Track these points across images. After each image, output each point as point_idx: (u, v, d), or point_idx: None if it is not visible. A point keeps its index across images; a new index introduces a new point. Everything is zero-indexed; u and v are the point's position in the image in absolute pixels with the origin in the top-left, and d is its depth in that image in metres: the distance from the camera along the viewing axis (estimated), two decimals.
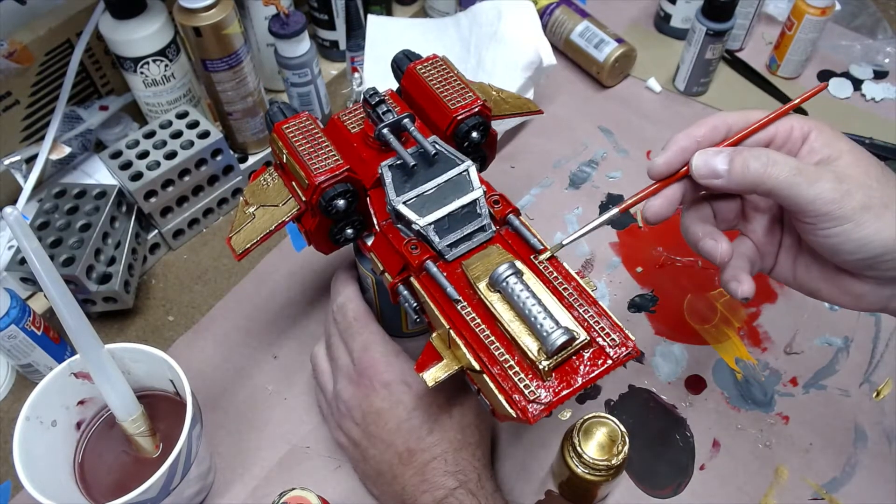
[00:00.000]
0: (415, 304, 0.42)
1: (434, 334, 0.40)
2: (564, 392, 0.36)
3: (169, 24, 0.65)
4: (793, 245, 0.44)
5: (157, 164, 0.62)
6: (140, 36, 0.63)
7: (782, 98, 0.81)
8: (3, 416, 0.58)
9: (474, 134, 0.47)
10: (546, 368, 0.36)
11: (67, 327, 0.43)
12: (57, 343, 0.57)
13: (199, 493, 0.52)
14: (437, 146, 0.43)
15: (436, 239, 0.40)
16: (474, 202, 0.41)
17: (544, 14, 0.84)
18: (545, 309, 0.36)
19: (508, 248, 0.41)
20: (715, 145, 0.41)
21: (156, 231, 0.66)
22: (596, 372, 0.36)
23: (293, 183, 0.46)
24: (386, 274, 0.43)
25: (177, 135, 0.64)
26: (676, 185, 0.41)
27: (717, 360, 0.61)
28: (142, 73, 0.65)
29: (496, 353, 0.37)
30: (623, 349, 0.37)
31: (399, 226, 0.43)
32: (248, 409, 0.58)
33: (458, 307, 0.39)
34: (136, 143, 0.64)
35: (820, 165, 0.39)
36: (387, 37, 0.77)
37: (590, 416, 0.48)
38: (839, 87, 0.82)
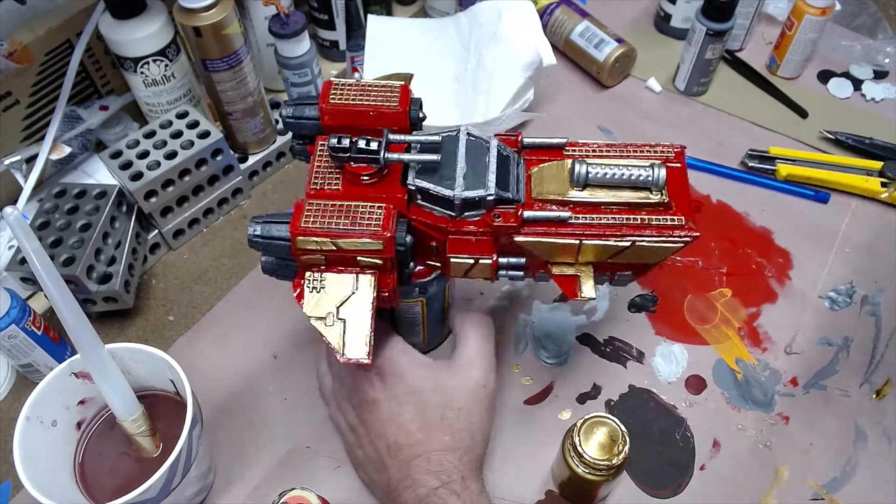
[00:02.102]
0: (522, 263, 0.44)
1: (554, 270, 0.44)
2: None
3: (169, 24, 0.65)
4: None
5: (158, 164, 0.62)
6: (140, 36, 0.63)
7: (782, 98, 0.81)
8: (3, 416, 0.58)
9: (422, 113, 0.46)
10: (667, 200, 0.42)
11: (67, 327, 0.43)
12: (57, 343, 0.57)
13: (199, 493, 0.52)
14: (431, 135, 0.44)
15: (510, 194, 0.42)
16: (499, 150, 0.43)
17: (544, 14, 0.84)
18: (627, 166, 0.42)
19: (541, 161, 0.44)
20: None
21: (156, 231, 0.66)
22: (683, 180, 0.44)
23: (356, 257, 0.43)
24: (482, 260, 0.43)
25: (177, 135, 0.64)
26: None
27: (717, 360, 0.61)
28: (142, 73, 0.65)
29: (631, 222, 0.42)
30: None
31: (465, 215, 0.43)
32: (248, 409, 0.58)
33: (571, 222, 0.42)
34: (137, 143, 0.64)
35: None
36: (387, 37, 0.76)
37: (590, 415, 0.48)
38: (839, 87, 0.82)
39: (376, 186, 0.44)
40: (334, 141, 0.42)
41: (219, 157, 0.66)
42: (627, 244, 0.42)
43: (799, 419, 0.57)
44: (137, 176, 0.61)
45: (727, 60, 0.84)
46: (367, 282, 0.43)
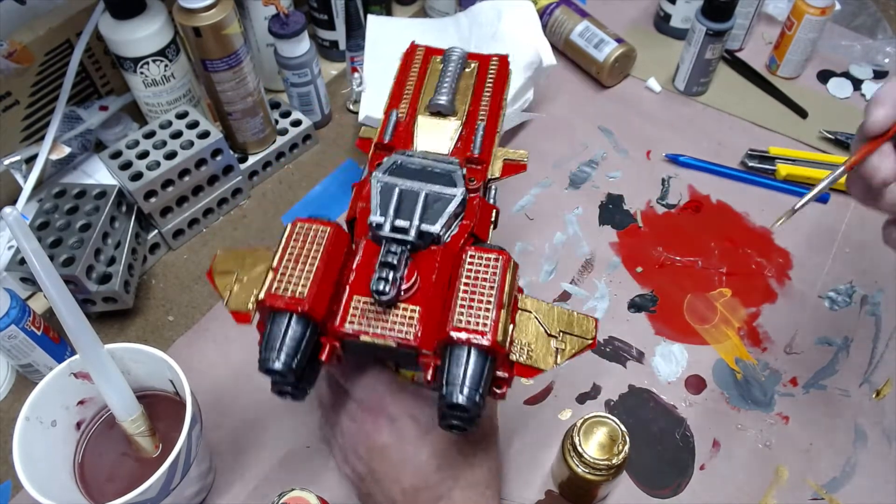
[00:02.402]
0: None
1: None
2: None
3: (169, 24, 0.65)
4: None
5: (157, 164, 0.62)
6: (140, 36, 0.63)
7: (782, 98, 0.81)
8: (3, 416, 0.58)
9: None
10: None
11: (67, 327, 0.43)
12: (57, 343, 0.57)
13: (199, 493, 0.52)
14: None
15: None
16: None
17: (544, 14, 0.84)
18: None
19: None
20: None
21: (156, 231, 0.66)
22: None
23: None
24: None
25: (177, 135, 0.64)
26: None
27: (717, 360, 0.61)
28: (142, 73, 0.65)
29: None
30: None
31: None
32: (248, 408, 0.58)
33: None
34: (136, 143, 0.64)
35: None
36: (386, 37, 0.76)
37: (590, 415, 0.48)
38: (839, 87, 0.82)
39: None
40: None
41: (218, 158, 0.66)
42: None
43: (799, 419, 0.57)
44: (137, 176, 0.61)
45: (727, 60, 0.84)
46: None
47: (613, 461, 0.46)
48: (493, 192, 0.48)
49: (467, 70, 0.51)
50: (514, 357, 0.39)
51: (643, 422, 0.57)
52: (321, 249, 0.39)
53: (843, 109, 0.80)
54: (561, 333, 0.40)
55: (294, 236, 0.40)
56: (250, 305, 0.40)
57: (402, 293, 0.38)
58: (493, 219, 0.46)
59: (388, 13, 0.88)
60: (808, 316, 0.63)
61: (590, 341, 0.40)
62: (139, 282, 0.65)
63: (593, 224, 0.70)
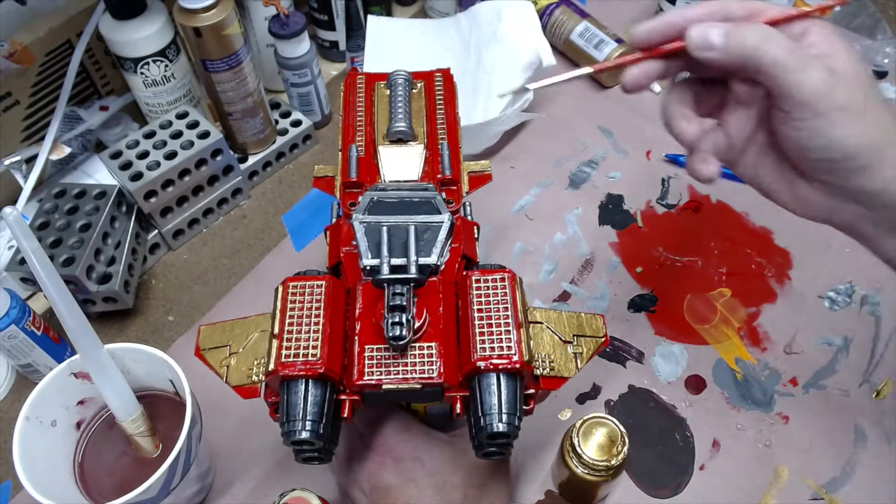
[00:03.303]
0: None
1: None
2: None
3: (169, 24, 0.65)
4: (762, 143, 0.43)
5: (157, 164, 0.62)
6: (140, 36, 0.63)
7: None
8: (3, 416, 0.58)
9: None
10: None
11: (67, 327, 0.43)
12: (57, 343, 0.57)
13: (198, 493, 0.52)
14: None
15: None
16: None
17: (544, 14, 0.84)
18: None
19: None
20: None
21: (156, 231, 0.66)
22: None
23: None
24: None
25: (177, 135, 0.64)
26: (658, 61, 0.41)
27: (717, 360, 0.61)
28: (142, 73, 0.65)
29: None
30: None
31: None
32: (248, 408, 0.58)
33: None
34: (136, 143, 0.64)
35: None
36: (387, 37, 0.77)
37: (589, 416, 0.48)
38: None
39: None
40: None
41: (218, 158, 0.66)
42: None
43: (799, 419, 0.57)
44: (137, 176, 0.61)
45: None
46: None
47: (612, 462, 0.46)
48: (468, 208, 0.46)
49: (414, 91, 0.49)
50: (538, 371, 0.38)
51: (643, 422, 0.57)
52: (321, 305, 0.38)
53: None
54: (575, 338, 0.40)
55: (290, 298, 0.38)
56: (255, 378, 0.39)
57: (415, 333, 0.37)
58: (475, 236, 0.45)
59: (389, 14, 0.88)
60: (808, 316, 0.63)
61: (602, 339, 0.40)
62: (139, 282, 0.65)
63: (593, 224, 0.70)
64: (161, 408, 0.51)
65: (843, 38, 0.39)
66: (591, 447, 0.47)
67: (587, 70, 0.42)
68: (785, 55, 0.36)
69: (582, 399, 0.59)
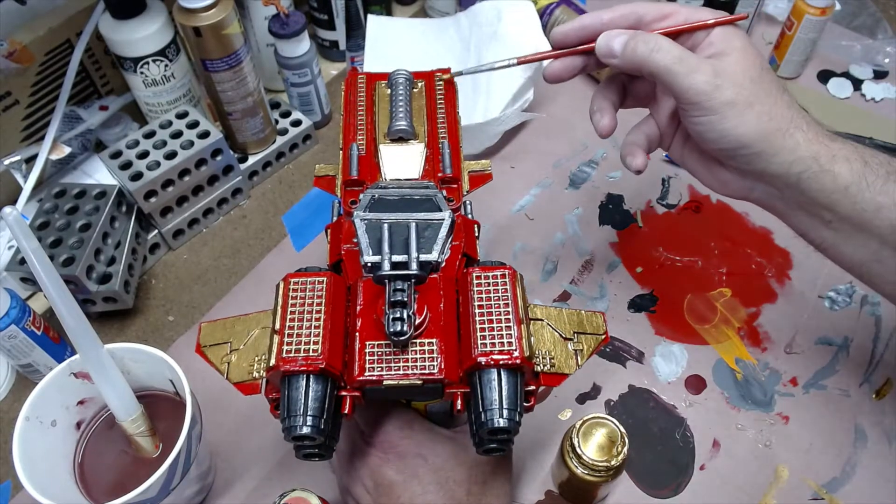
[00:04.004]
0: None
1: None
2: None
3: (169, 24, 0.65)
4: (683, 132, 0.48)
5: (157, 164, 0.62)
6: (140, 36, 0.63)
7: None
8: (3, 416, 0.58)
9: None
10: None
11: (67, 327, 0.43)
12: (57, 343, 0.57)
13: (198, 493, 0.52)
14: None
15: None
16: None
17: (544, 14, 0.84)
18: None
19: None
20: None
21: (156, 231, 0.66)
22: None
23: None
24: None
25: (177, 135, 0.64)
26: (577, 57, 0.46)
27: (717, 360, 0.61)
28: (142, 73, 0.65)
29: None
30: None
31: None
32: (248, 408, 0.58)
33: None
34: (136, 143, 0.64)
35: (708, 58, 0.42)
36: (387, 37, 0.77)
37: (589, 416, 0.48)
38: (839, 87, 0.82)
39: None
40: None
41: (218, 157, 0.66)
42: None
43: (799, 419, 0.57)
44: (137, 176, 0.61)
45: None
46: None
47: (612, 462, 0.46)
48: (468, 206, 0.47)
49: (415, 90, 0.50)
50: (538, 368, 0.39)
51: (643, 422, 0.57)
52: (322, 302, 0.38)
53: (843, 109, 0.80)
54: (575, 335, 0.40)
55: (291, 294, 0.38)
56: (256, 374, 0.39)
57: (416, 329, 0.37)
58: (476, 234, 0.45)
59: (389, 13, 0.88)
60: (808, 316, 0.63)
61: (603, 336, 0.40)
62: (139, 282, 0.65)
63: (593, 224, 0.70)
64: (161, 408, 0.51)
65: (742, 37, 0.43)
66: (591, 447, 0.47)
67: (512, 61, 0.47)
68: (672, 62, 0.41)
69: (582, 399, 0.59)
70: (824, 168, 0.42)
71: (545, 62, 0.48)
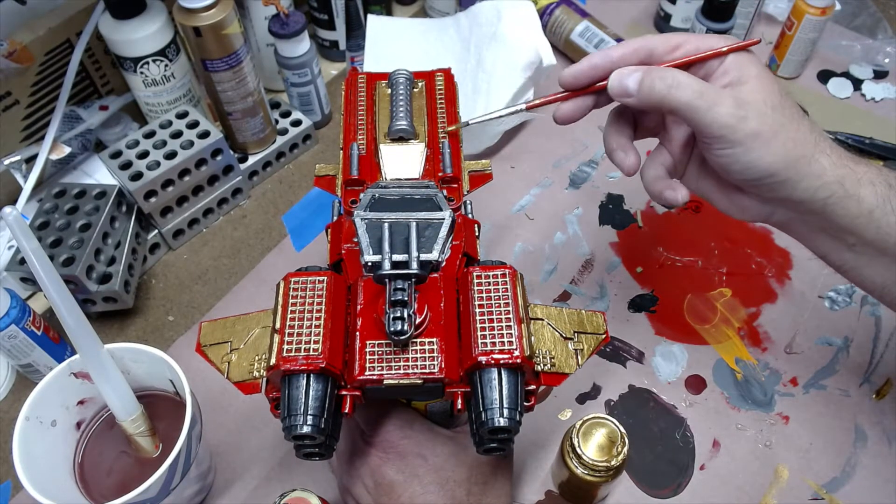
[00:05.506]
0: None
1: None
2: None
3: (169, 24, 0.65)
4: (699, 160, 0.46)
5: (157, 164, 0.62)
6: (140, 36, 0.63)
7: None
8: (3, 416, 0.58)
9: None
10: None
11: (67, 327, 0.43)
12: (57, 343, 0.57)
13: (198, 493, 0.52)
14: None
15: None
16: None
17: (544, 14, 0.84)
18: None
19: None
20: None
21: (156, 231, 0.66)
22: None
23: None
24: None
25: (177, 135, 0.64)
26: (588, 96, 0.45)
27: (717, 360, 0.61)
28: (142, 73, 0.65)
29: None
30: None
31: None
32: (248, 408, 0.58)
33: None
34: (136, 143, 0.64)
35: (727, 88, 0.41)
36: (387, 37, 0.76)
37: (589, 416, 0.48)
38: (839, 87, 0.82)
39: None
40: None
41: (218, 157, 0.66)
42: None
43: (799, 419, 0.57)
44: (137, 176, 0.61)
45: None
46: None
47: (612, 463, 0.46)
48: (468, 206, 0.47)
49: (415, 90, 0.50)
50: (538, 367, 0.39)
51: (643, 422, 0.57)
52: (323, 301, 0.38)
53: (843, 109, 0.80)
54: (576, 334, 0.40)
55: (291, 293, 0.38)
56: (256, 373, 0.39)
57: (416, 328, 0.37)
58: (476, 234, 0.45)
59: (389, 13, 0.88)
60: (808, 316, 0.63)
61: (603, 335, 0.40)
62: (139, 282, 0.65)
63: (593, 224, 0.70)
64: (161, 408, 0.51)
65: (757, 63, 0.42)
66: (591, 448, 0.47)
67: (521, 107, 0.46)
68: (693, 97, 0.39)
69: (582, 399, 0.59)
70: (849, 193, 0.41)
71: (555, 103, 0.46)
